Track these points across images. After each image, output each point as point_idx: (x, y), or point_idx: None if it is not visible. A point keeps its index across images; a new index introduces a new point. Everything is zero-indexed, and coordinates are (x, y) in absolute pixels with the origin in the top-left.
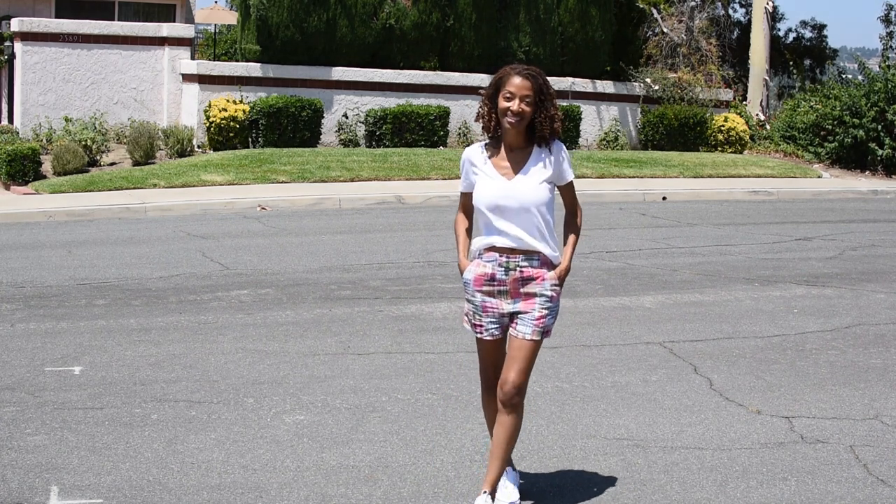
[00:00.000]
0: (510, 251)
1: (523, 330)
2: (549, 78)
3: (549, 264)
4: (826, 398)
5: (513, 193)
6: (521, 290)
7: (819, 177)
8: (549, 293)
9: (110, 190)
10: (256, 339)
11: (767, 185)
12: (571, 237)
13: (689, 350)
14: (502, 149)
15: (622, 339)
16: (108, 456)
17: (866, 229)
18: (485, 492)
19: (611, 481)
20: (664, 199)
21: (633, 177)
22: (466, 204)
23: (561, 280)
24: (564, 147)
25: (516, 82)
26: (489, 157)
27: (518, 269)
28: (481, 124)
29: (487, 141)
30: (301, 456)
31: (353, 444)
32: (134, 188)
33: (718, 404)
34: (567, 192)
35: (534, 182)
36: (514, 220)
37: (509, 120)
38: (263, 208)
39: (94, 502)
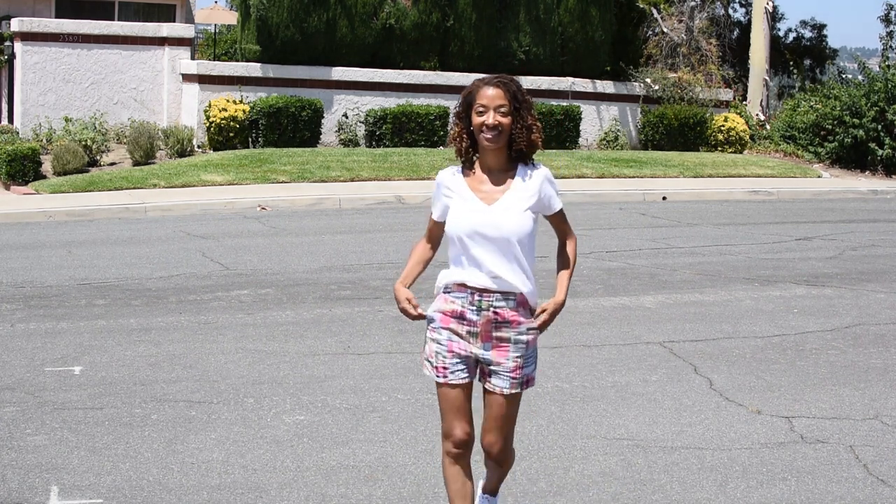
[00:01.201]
0: (484, 290)
1: (499, 384)
2: (549, 78)
3: (525, 304)
4: (826, 398)
5: (492, 221)
6: (494, 333)
7: (819, 177)
8: (524, 339)
9: (110, 190)
10: (256, 339)
11: (767, 185)
12: (566, 267)
13: (689, 350)
14: (479, 171)
15: (622, 339)
16: (108, 456)
17: (866, 229)
18: (483, 494)
19: (611, 481)
20: (664, 199)
21: (633, 177)
22: (434, 231)
23: (553, 314)
24: (549, 172)
25: (488, 93)
26: (466, 180)
27: (492, 309)
28: (454, 148)
29: (461, 166)
30: (301, 456)
31: (353, 444)
32: (134, 188)
33: (718, 404)
34: (557, 221)
35: (517, 210)
36: (491, 251)
37: (486, 136)
38: (263, 208)
39: (94, 502)
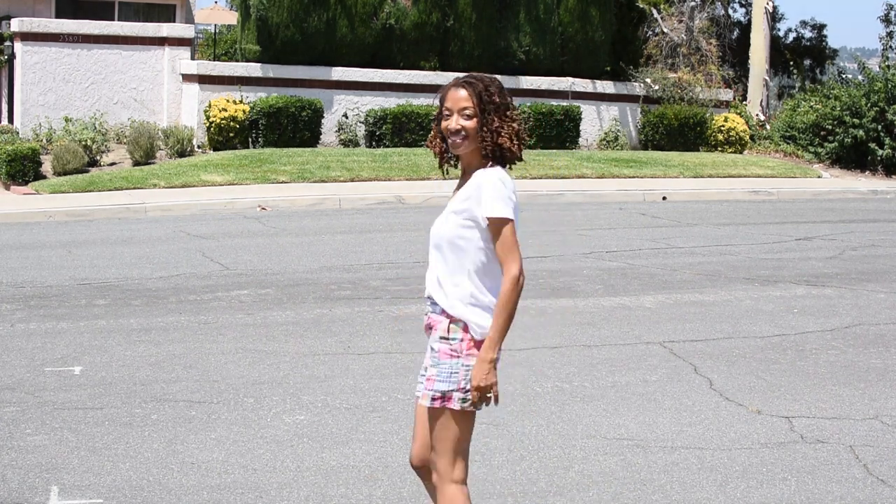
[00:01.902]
0: (428, 296)
1: (419, 388)
2: (549, 78)
3: (445, 314)
4: (826, 398)
5: (435, 225)
6: (429, 340)
7: (819, 177)
8: (436, 346)
9: (110, 190)
10: (256, 339)
11: (767, 185)
12: (494, 313)
13: (689, 350)
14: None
15: (622, 339)
16: (108, 456)
17: (866, 229)
18: None
19: (611, 481)
20: (664, 199)
21: (633, 177)
22: None
23: (477, 376)
24: (496, 176)
25: (453, 95)
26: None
27: (427, 314)
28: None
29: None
30: (301, 456)
31: (353, 444)
32: (134, 188)
33: (718, 404)
34: (494, 234)
35: (446, 212)
36: (432, 256)
37: (450, 141)
38: (263, 208)
39: (94, 502)
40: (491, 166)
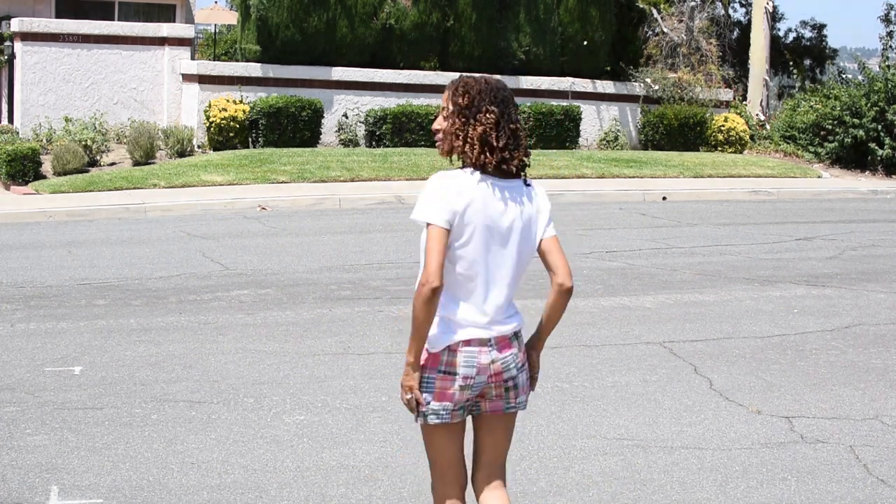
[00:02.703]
0: None
1: None
2: (549, 78)
3: None
4: (826, 398)
5: None
6: None
7: (819, 177)
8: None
9: (110, 190)
10: (256, 339)
11: (767, 185)
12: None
13: (689, 350)
14: None
15: (622, 339)
16: (108, 456)
17: (866, 229)
18: None
19: (611, 481)
20: (664, 199)
21: (633, 177)
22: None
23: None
24: (448, 176)
25: (443, 96)
26: None
27: None
28: None
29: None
30: (301, 456)
31: (353, 444)
32: (134, 188)
33: (718, 404)
34: None
35: None
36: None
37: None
38: (263, 208)
39: (94, 502)
40: (460, 168)
